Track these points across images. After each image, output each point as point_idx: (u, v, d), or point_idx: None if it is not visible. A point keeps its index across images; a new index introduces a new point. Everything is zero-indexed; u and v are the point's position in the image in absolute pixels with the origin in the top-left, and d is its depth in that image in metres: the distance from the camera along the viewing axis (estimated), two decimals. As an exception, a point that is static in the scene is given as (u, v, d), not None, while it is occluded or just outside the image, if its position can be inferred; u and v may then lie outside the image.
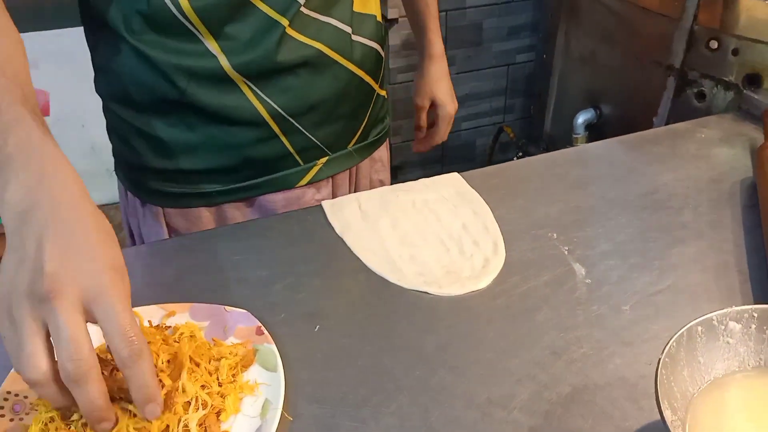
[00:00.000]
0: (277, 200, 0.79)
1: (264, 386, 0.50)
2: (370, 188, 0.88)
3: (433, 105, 1.02)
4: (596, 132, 1.41)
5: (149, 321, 0.54)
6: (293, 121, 0.74)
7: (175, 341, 0.50)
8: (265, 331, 0.54)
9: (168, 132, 0.73)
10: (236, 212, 0.79)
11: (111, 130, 0.79)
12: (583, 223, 0.71)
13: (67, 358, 0.37)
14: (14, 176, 0.42)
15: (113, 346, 0.39)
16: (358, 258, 0.66)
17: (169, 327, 0.53)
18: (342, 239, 0.68)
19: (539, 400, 0.51)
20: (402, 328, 0.58)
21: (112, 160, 0.81)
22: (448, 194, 0.76)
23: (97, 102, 0.77)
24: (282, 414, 0.47)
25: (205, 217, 0.79)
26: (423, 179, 0.79)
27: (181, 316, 0.55)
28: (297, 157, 0.78)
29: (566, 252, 0.67)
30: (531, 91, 1.99)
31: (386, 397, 0.51)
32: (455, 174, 0.80)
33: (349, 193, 0.86)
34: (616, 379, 0.53)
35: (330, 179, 0.83)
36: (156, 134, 0.73)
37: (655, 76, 1.24)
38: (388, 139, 0.94)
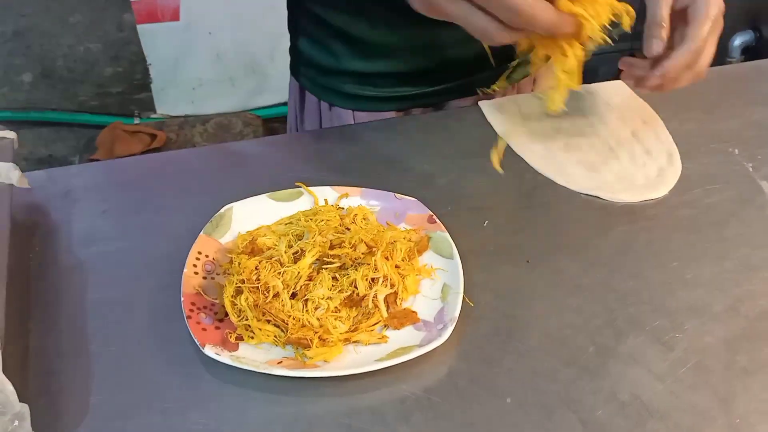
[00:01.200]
0: (465, 105, 0.75)
1: (440, 271, 0.49)
2: None
3: None
4: (754, 55, 1.28)
5: (325, 200, 0.54)
6: None
7: (352, 222, 0.50)
8: (437, 220, 0.52)
9: (371, 33, 0.70)
10: None
11: (301, 32, 0.76)
12: (767, 140, 0.65)
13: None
14: None
15: None
16: (522, 158, 0.63)
17: (343, 208, 0.53)
18: (503, 139, 0.65)
19: (735, 314, 0.47)
20: (574, 230, 0.55)
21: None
22: (614, 102, 0.70)
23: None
24: (463, 299, 0.46)
25: None
26: (585, 85, 0.73)
27: (353, 199, 0.54)
28: (492, 60, 0.74)
29: (750, 169, 0.61)
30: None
31: (566, 293, 0.49)
32: (619, 81, 0.74)
33: None
34: (821, 300, 0.48)
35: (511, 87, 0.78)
36: (358, 35, 0.71)
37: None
38: None
